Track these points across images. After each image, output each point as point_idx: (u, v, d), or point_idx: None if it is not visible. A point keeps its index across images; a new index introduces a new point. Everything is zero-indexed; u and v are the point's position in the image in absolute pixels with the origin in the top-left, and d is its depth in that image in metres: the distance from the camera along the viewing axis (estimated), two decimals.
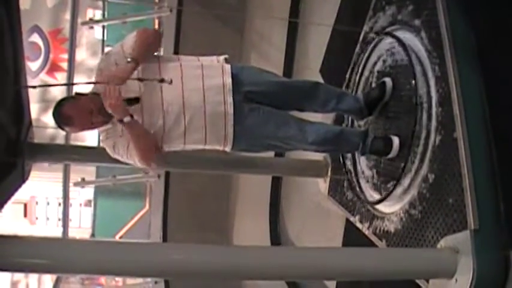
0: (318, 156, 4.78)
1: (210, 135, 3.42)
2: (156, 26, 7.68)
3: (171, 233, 7.61)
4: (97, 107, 3.23)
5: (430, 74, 3.38)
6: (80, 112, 3.24)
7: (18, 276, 9.08)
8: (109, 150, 3.40)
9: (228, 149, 3.55)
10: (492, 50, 3.08)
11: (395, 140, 3.59)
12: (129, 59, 3.20)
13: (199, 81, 3.35)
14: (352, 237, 4.19)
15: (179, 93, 3.31)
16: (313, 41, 5.85)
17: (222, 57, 3.52)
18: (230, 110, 3.40)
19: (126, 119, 3.18)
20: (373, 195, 3.86)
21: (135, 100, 3.28)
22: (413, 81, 3.48)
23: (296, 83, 4.05)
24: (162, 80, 3.15)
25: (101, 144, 3.50)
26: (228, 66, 3.46)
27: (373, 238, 3.73)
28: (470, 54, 3.15)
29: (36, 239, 2.83)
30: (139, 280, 7.36)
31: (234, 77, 3.44)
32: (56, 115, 3.27)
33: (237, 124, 3.43)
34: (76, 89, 3.78)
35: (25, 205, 9.62)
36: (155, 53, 3.46)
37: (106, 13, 7.88)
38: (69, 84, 3.37)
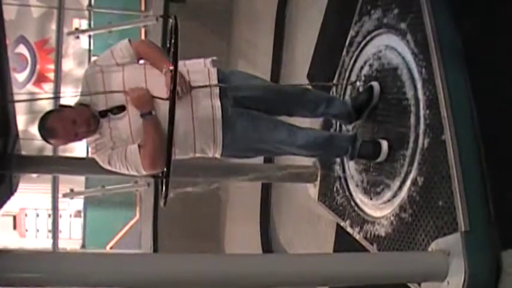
0: (307, 161, 4.78)
1: (198, 140, 3.41)
2: (143, 35, 7.67)
3: (162, 242, 7.59)
4: (83, 117, 3.23)
5: (417, 77, 3.38)
6: (64, 123, 3.23)
7: None
8: (102, 164, 3.36)
9: (218, 154, 3.53)
10: (478, 52, 3.09)
11: (384, 144, 3.59)
12: (168, 70, 3.20)
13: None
14: (343, 241, 4.18)
15: (166, 100, 3.30)
16: (300, 46, 5.86)
17: (209, 60, 3.51)
18: (218, 114, 3.39)
19: (154, 111, 3.22)
20: (363, 199, 3.86)
21: (121, 108, 3.28)
22: (400, 85, 3.50)
23: (285, 88, 4.05)
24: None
25: (91, 156, 3.46)
26: (214, 71, 3.45)
27: (364, 242, 3.73)
28: (457, 57, 3.16)
29: (26, 253, 2.81)
30: None
31: (221, 81, 3.43)
32: (40, 129, 3.27)
33: (226, 129, 3.42)
34: (62, 101, 3.78)
35: (14, 217, 9.54)
36: (141, 61, 3.46)
37: (92, 23, 7.88)
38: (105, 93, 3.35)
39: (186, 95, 3.27)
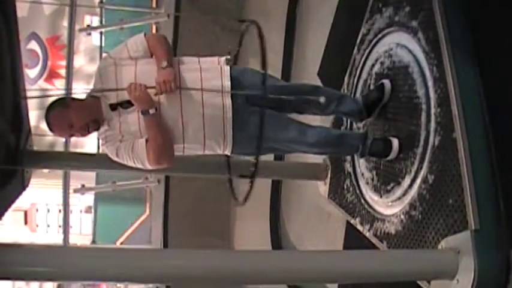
0: (318, 159, 4.78)
1: (208, 138, 3.41)
2: (154, 32, 7.68)
3: (172, 238, 7.61)
4: (82, 122, 3.28)
5: (428, 75, 3.38)
6: (60, 124, 3.30)
7: (20, 282, 9.07)
8: (110, 155, 3.41)
9: (227, 152, 3.54)
10: (489, 50, 3.08)
11: (395, 142, 3.59)
12: (164, 65, 3.25)
13: (197, 83, 3.35)
14: (353, 239, 4.18)
15: (177, 96, 3.31)
16: (311, 44, 5.85)
17: (223, 58, 3.51)
18: (229, 112, 3.39)
19: (152, 110, 3.22)
20: (373, 197, 3.86)
21: (131, 102, 3.28)
22: (411, 83, 3.49)
23: (296, 86, 4.05)
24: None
25: (101, 148, 3.51)
26: (227, 68, 3.45)
27: (374, 240, 3.73)
28: (468, 55, 3.15)
29: (37, 247, 2.83)
30: (141, 285, 7.36)
31: (234, 79, 3.43)
32: (45, 116, 3.35)
33: (237, 127, 3.43)
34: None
35: (25, 212, 9.60)
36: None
37: (103, 19, 7.89)
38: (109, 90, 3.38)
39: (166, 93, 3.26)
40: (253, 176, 3.31)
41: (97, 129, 3.35)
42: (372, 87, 3.99)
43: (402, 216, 3.43)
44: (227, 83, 3.40)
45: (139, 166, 3.36)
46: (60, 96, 3.47)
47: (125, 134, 3.32)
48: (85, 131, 3.32)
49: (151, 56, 3.39)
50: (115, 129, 3.33)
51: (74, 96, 3.55)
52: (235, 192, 3.60)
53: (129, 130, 3.31)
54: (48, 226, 9.52)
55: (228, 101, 3.39)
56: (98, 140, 3.58)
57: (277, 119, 3.60)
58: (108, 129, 3.36)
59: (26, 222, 9.62)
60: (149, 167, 3.34)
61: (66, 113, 3.29)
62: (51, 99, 3.44)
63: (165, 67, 3.25)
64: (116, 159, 3.39)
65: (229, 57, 3.53)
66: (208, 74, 3.39)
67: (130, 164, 3.37)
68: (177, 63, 3.41)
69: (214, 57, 3.52)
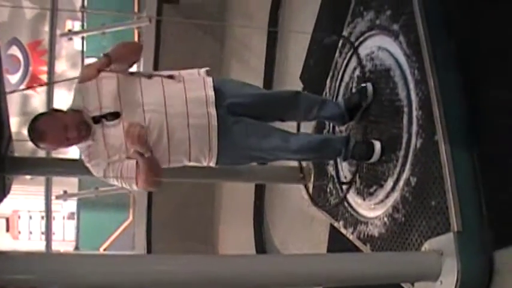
0: (301, 162, 4.79)
1: (194, 148, 3.40)
2: (136, 37, 7.66)
3: (156, 244, 7.58)
4: (74, 123, 3.20)
5: (409, 78, 3.40)
6: (54, 127, 3.18)
7: None
8: (96, 174, 3.35)
9: (212, 163, 3.50)
10: (471, 53, 3.10)
11: (377, 145, 3.60)
12: (102, 54, 3.26)
13: (181, 94, 3.35)
14: (337, 242, 4.19)
15: (161, 108, 3.29)
16: (293, 48, 5.87)
17: (203, 70, 3.51)
18: (214, 122, 3.39)
19: (148, 154, 3.22)
20: (356, 200, 3.87)
21: (115, 114, 3.25)
22: (393, 86, 3.51)
23: (277, 94, 4.07)
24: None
25: (85, 165, 3.40)
26: (209, 79, 3.46)
27: (358, 243, 3.74)
28: (449, 57, 3.17)
29: (20, 254, 2.80)
30: None
31: (216, 90, 3.43)
32: (30, 131, 3.21)
33: (221, 137, 3.42)
34: (54, 105, 3.78)
35: (7, 219, 9.52)
36: (134, 66, 3.46)
37: (85, 24, 7.87)
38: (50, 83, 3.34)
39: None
40: (351, 182, 3.59)
41: (89, 133, 3.26)
42: (353, 90, 4.00)
43: (385, 219, 3.44)
44: (211, 93, 3.40)
45: (127, 188, 3.36)
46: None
47: (110, 148, 3.27)
48: (79, 132, 3.21)
49: (129, 66, 3.39)
50: (99, 143, 3.27)
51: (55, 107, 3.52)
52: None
53: (113, 145, 3.26)
54: (31, 233, 9.45)
55: (213, 110, 3.38)
56: (80, 152, 3.48)
57: (260, 127, 3.60)
58: (92, 144, 3.29)
59: (8, 229, 9.53)
60: (136, 189, 3.35)
61: (57, 117, 3.23)
62: (33, 107, 3.41)
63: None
64: (102, 179, 3.36)
65: (208, 68, 3.54)
66: (191, 84, 3.40)
67: (118, 185, 3.35)
68: (158, 75, 3.41)
69: (194, 69, 3.52)
